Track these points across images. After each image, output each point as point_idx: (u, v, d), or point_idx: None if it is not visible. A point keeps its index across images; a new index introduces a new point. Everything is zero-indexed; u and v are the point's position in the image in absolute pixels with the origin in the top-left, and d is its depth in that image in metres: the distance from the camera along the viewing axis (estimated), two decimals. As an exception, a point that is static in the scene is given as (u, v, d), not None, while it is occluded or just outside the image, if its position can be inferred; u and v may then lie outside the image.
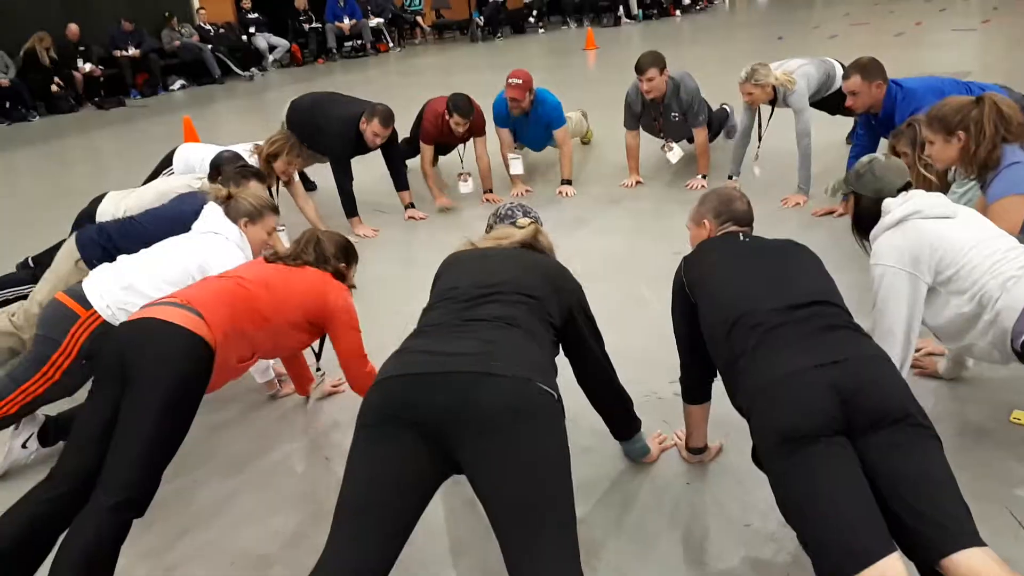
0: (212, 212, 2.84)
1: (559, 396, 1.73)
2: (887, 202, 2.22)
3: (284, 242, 3.40)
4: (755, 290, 1.90)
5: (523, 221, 2.29)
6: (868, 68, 3.84)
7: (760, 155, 4.71)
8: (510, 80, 5.03)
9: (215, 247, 2.70)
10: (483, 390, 1.64)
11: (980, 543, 1.50)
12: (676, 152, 5.21)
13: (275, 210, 2.99)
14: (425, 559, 2.09)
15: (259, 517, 2.35)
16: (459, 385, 1.65)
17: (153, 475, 1.91)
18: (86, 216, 3.69)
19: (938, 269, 2.10)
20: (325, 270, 2.49)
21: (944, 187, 2.97)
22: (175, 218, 3.06)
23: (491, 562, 2.07)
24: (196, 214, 2.90)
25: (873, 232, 2.23)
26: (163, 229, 2.94)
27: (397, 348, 1.85)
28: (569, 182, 5.27)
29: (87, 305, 2.52)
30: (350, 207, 4.82)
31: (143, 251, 2.77)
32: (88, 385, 2.09)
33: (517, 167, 5.37)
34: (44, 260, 3.67)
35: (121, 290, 2.56)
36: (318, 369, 2.79)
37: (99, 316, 2.51)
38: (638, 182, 5.22)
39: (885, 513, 1.55)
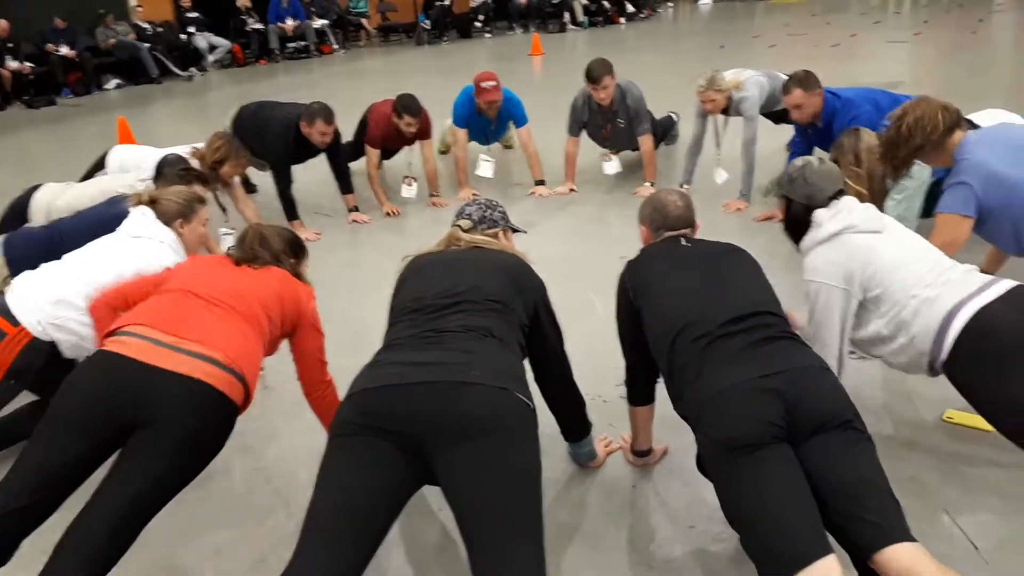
0: (140, 215, 2.70)
1: (534, 406, 1.75)
2: (818, 213, 2.22)
3: (228, 245, 3.29)
4: (697, 301, 1.92)
5: (466, 223, 2.26)
6: (807, 81, 3.94)
7: (721, 162, 4.79)
8: (484, 84, 5.01)
9: (149, 252, 2.59)
10: (462, 399, 1.65)
11: (910, 539, 1.57)
12: (614, 165, 5.27)
13: (202, 201, 2.87)
14: (395, 567, 2.06)
15: (197, 532, 2.27)
16: (439, 394, 1.66)
17: (123, 550, 1.77)
18: (18, 207, 3.51)
19: (868, 287, 2.14)
20: (286, 270, 2.35)
21: (882, 192, 3.04)
22: (102, 222, 2.93)
23: (460, 571, 2.05)
24: (121, 217, 2.76)
25: (805, 244, 2.24)
26: (91, 234, 2.80)
27: (368, 362, 1.83)
28: (543, 182, 5.26)
29: (14, 321, 2.39)
30: (291, 210, 4.74)
31: (68, 256, 2.63)
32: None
33: (487, 170, 5.37)
34: None
35: (51, 305, 2.43)
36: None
37: (28, 332, 2.39)
38: (572, 190, 5.23)
39: (824, 514, 1.61)
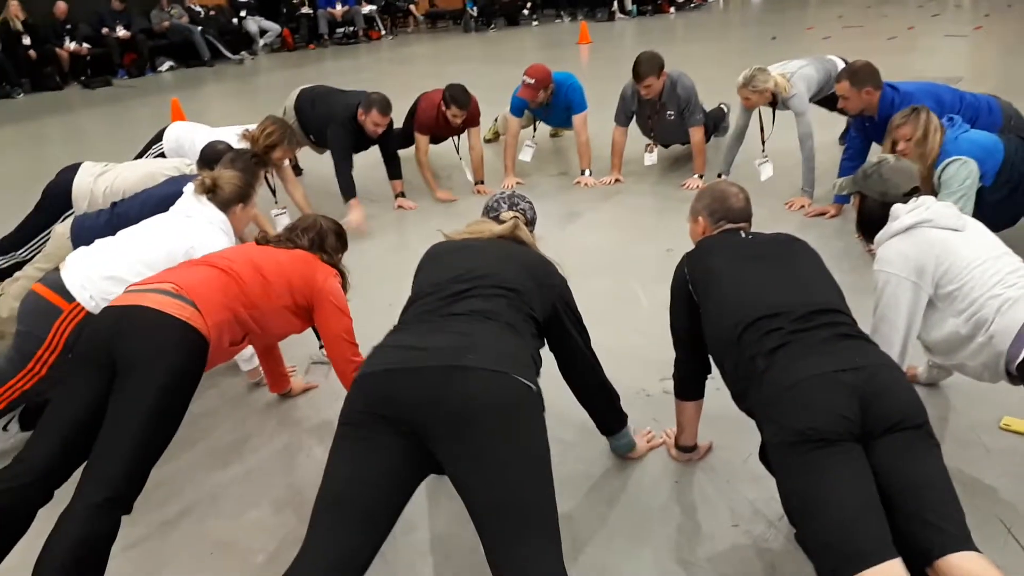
0: (194, 196, 2.75)
1: (538, 388, 1.72)
2: (896, 207, 2.20)
3: (283, 226, 3.33)
4: (767, 295, 1.89)
5: (506, 215, 2.26)
6: (858, 74, 3.85)
7: (767, 158, 4.71)
8: (525, 78, 5.01)
9: (202, 232, 2.63)
10: (457, 384, 1.63)
11: (974, 548, 1.53)
12: (652, 157, 5.24)
13: (257, 182, 2.94)
14: (407, 555, 2.07)
15: (240, 508, 2.32)
16: (433, 380, 1.64)
17: (143, 472, 1.85)
18: (58, 190, 3.53)
19: (940, 283, 2.09)
20: (317, 255, 2.44)
21: (931, 173, 2.99)
22: (163, 201, 2.99)
23: (476, 559, 2.06)
24: (177, 196, 2.82)
25: (879, 236, 2.22)
26: (151, 214, 2.85)
27: (378, 343, 1.83)
28: (589, 171, 5.23)
29: (69, 297, 2.44)
30: (349, 190, 4.69)
31: (122, 233, 2.70)
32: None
33: (527, 155, 5.39)
34: (12, 238, 3.60)
35: (104, 280, 2.48)
36: (320, 347, 2.60)
37: (83, 308, 2.45)
38: (618, 180, 5.19)
39: (887, 516, 1.57)
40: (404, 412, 1.64)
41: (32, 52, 10.91)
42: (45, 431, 1.90)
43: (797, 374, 1.72)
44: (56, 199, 3.53)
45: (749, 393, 1.84)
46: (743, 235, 2.13)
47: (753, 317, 1.85)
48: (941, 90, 3.83)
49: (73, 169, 3.58)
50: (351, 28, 14.15)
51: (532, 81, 4.97)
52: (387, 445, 1.64)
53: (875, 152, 3.70)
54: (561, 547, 1.58)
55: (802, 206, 4.42)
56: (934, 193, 2.97)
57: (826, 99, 4.76)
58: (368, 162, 5.11)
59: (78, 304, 2.44)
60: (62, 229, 3.11)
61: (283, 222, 4.16)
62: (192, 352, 2.01)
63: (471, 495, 1.60)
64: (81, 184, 3.50)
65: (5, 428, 2.59)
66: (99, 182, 3.49)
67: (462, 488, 1.62)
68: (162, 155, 4.18)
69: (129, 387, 1.87)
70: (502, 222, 2.21)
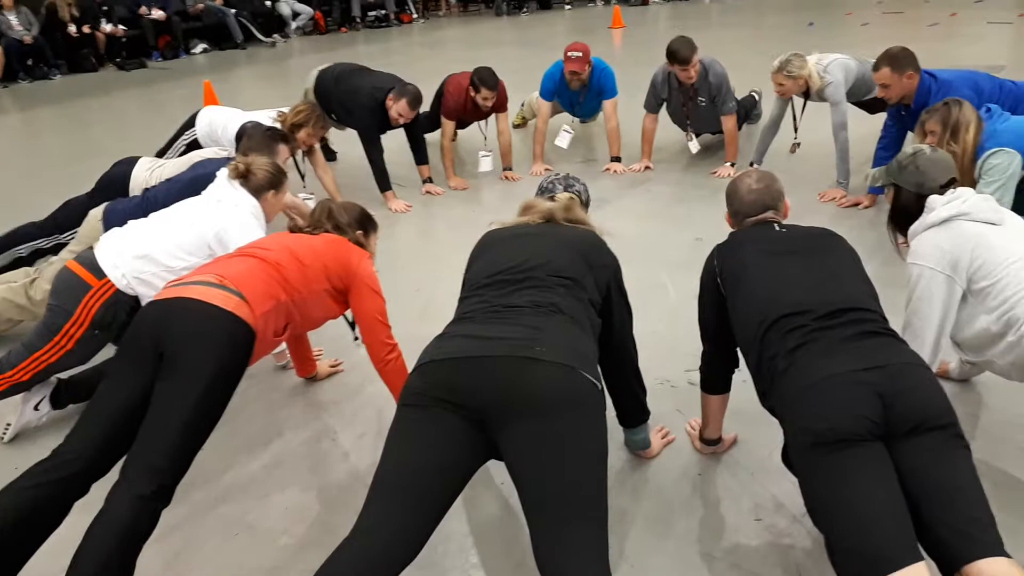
0: (227, 181, 2.78)
1: (602, 387, 1.73)
2: (932, 199, 2.13)
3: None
4: (793, 291, 1.85)
5: (561, 196, 2.24)
6: (898, 59, 3.75)
7: (799, 149, 4.64)
8: (570, 53, 4.95)
9: (232, 217, 2.66)
10: (527, 375, 1.63)
11: (1005, 553, 1.48)
12: (696, 145, 5.17)
13: (285, 174, 2.95)
14: (453, 541, 2.08)
15: (265, 491, 2.34)
16: (503, 370, 1.65)
17: (186, 462, 1.86)
18: (116, 180, 3.60)
19: (974, 278, 2.03)
20: (344, 237, 2.45)
21: (971, 166, 2.92)
22: (192, 185, 3.03)
23: (517, 549, 2.06)
24: (208, 179, 2.86)
25: (913, 228, 2.16)
26: (181, 198, 2.90)
27: (439, 333, 1.84)
28: (619, 159, 5.19)
29: (100, 274, 2.49)
30: (384, 181, 4.76)
31: (155, 215, 2.74)
32: (104, 352, 2.06)
33: (565, 141, 5.36)
34: (57, 219, 3.67)
35: (136, 259, 2.53)
36: (355, 338, 2.57)
37: (112, 285, 2.49)
38: (647, 167, 5.14)
39: (913, 519, 1.54)
40: (470, 399, 1.64)
41: (73, 31, 11.04)
42: (89, 423, 1.89)
43: (817, 374, 1.68)
44: (112, 189, 3.59)
45: (771, 392, 1.81)
46: (777, 228, 2.07)
47: (777, 315, 1.81)
48: (980, 78, 3.73)
49: (130, 162, 3.66)
50: (382, 11, 14.15)
51: (580, 54, 4.92)
52: (448, 428, 1.65)
53: (910, 141, 3.64)
54: (607, 546, 1.58)
55: (833, 198, 4.35)
56: (975, 185, 2.90)
57: (863, 103, 4.66)
58: (394, 146, 5.11)
59: (108, 281, 2.49)
60: (95, 212, 3.17)
61: (310, 207, 4.17)
62: (240, 343, 2.01)
63: (527, 484, 1.60)
64: (138, 177, 3.57)
65: (36, 408, 2.64)
66: (153, 177, 3.55)
67: (519, 477, 1.62)
68: (195, 141, 4.22)
69: (177, 378, 1.87)
70: (556, 202, 2.20)
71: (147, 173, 3.56)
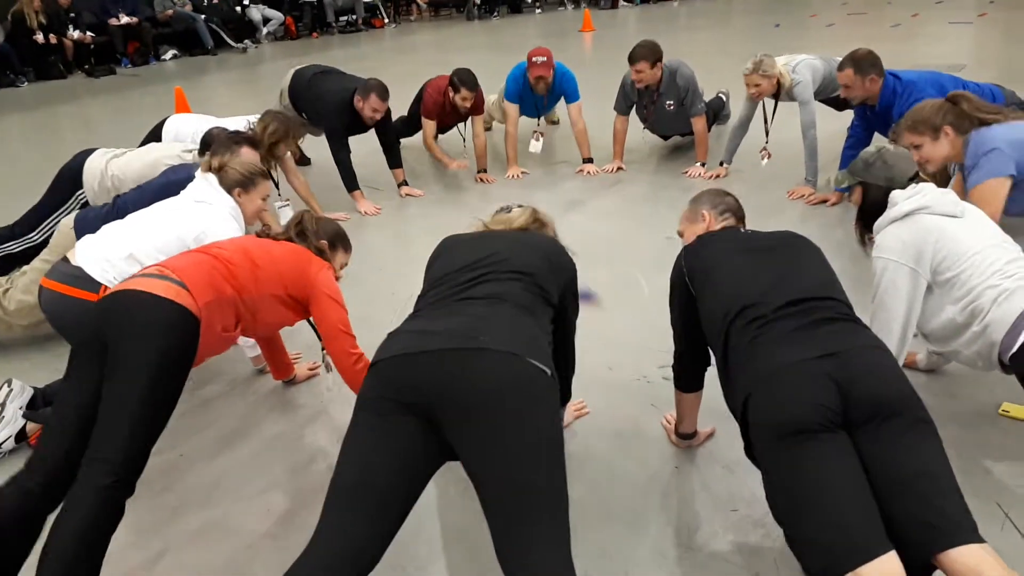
0: (204, 182, 2.77)
1: (553, 373, 1.69)
2: (895, 194, 2.19)
3: (287, 218, 3.36)
4: (756, 285, 1.86)
5: (518, 210, 2.27)
6: (861, 62, 3.83)
7: (768, 149, 4.72)
8: (535, 58, 5.00)
9: (211, 218, 2.66)
10: (469, 366, 1.61)
11: (979, 539, 1.48)
12: (539, 145, 5.43)
13: (265, 175, 2.94)
14: (415, 544, 2.09)
15: (243, 492, 2.35)
16: (444, 363, 1.62)
17: (142, 453, 1.85)
18: (69, 173, 3.58)
19: (938, 269, 2.09)
20: (306, 247, 2.42)
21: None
22: (165, 189, 3.01)
23: (481, 548, 2.08)
24: (186, 183, 2.85)
25: (877, 224, 2.21)
26: (154, 202, 2.88)
27: (392, 330, 1.84)
28: (591, 160, 5.24)
29: (93, 287, 2.47)
30: (350, 181, 4.76)
31: (132, 216, 2.72)
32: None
33: (537, 147, 5.44)
34: (26, 222, 3.63)
35: (123, 261, 2.51)
36: (328, 368, 2.57)
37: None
38: (619, 168, 5.20)
39: (881, 508, 1.52)
40: (418, 396, 1.61)
41: (39, 38, 10.89)
42: (54, 430, 1.89)
43: (770, 364, 1.67)
44: (67, 179, 3.57)
45: (732, 388, 1.80)
46: (742, 230, 2.13)
47: (738, 308, 1.81)
48: (943, 78, 3.82)
49: (89, 152, 3.63)
50: (354, 16, 14.13)
51: (544, 59, 4.98)
52: (402, 431, 1.62)
53: (877, 141, 3.72)
54: (569, 536, 1.56)
55: (802, 195, 4.43)
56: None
57: (831, 100, 4.75)
58: (368, 148, 5.12)
59: (105, 288, 2.44)
60: (67, 221, 3.15)
61: (287, 214, 4.15)
62: (180, 330, 1.99)
63: (481, 479, 1.58)
64: (92, 164, 3.54)
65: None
66: (110, 165, 3.52)
67: (473, 473, 1.59)
68: (157, 133, 4.20)
69: (120, 372, 1.86)
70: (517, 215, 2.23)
71: (103, 161, 3.53)
